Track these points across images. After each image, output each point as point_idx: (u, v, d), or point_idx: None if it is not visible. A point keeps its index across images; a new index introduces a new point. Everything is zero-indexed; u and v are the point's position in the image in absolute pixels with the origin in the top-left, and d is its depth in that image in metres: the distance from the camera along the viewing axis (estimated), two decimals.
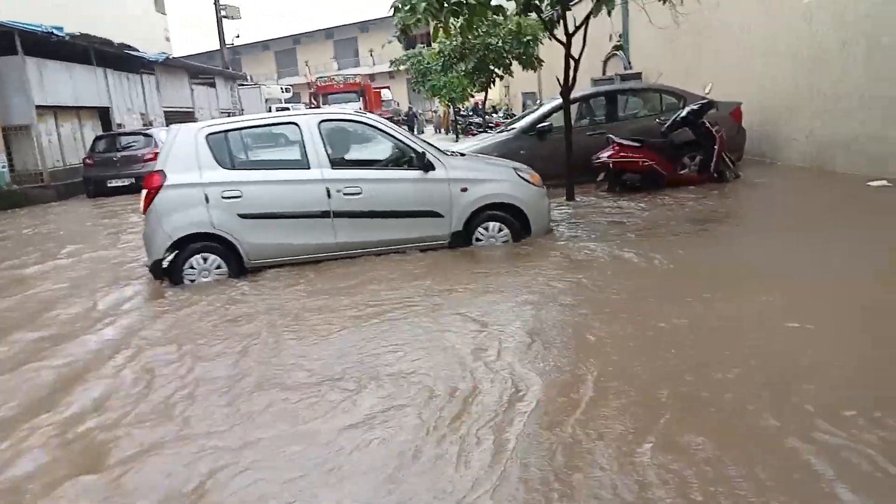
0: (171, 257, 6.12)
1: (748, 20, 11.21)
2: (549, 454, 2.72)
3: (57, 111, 17.16)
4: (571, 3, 8.89)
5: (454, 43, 16.07)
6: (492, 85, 19.75)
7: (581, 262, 5.86)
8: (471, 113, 31.20)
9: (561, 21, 8.97)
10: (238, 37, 37.43)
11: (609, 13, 7.52)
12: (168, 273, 6.16)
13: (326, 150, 6.35)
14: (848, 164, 8.95)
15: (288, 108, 36.45)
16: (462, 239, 6.58)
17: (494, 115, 29.95)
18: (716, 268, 5.45)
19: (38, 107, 15.89)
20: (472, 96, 25.17)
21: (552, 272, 5.54)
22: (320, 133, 6.36)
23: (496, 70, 17.53)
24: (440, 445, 2.89)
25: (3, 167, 15.27)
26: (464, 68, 17.63)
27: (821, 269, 5.00)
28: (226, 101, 30.20)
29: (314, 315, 4.92)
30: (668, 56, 14.02)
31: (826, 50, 9.26)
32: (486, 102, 26.64)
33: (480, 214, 6.58)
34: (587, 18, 8.40)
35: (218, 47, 33.79)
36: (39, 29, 15.34)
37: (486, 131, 15.43)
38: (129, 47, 20.17)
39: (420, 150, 6.46)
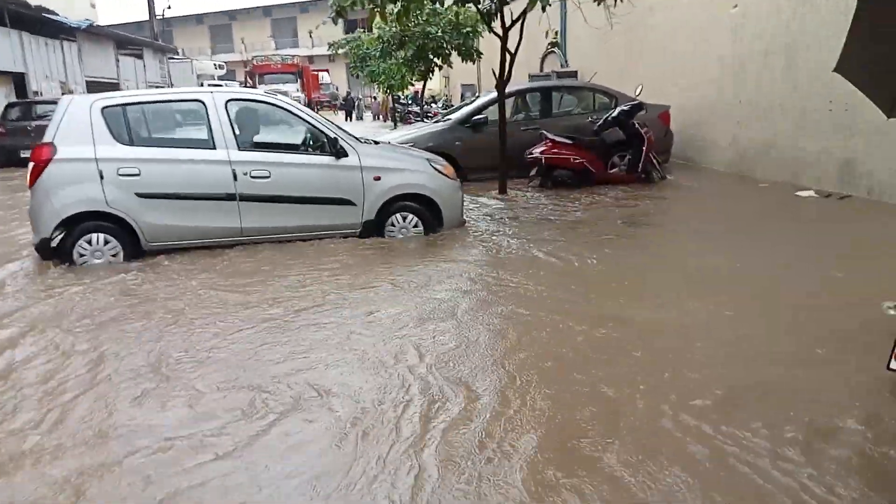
0: (60, 236, 5.77)
1: (679, 26, 11.53)
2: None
3: None
4: None
5: (393, 29, 15.88)
6: (431, 75, 19.66)
7: (490, 259, 5.86)
8: (410, 102, 31.03)
9: (498, 14, 8.99)
10: (169, 7, 36.01)
11: (543, 9, 7.57)
12: (57, 253, 5.79)
13: (234, 131, 6.11)
14: (766, 171, 9.36)
15: (221, 85, 35.33)
16: (374, 228, 6.48)
17: (433, 105, 29.87)
18: (630, 270, 5.43)
19: None
20: (412, 85, 25.01)
21: (460, 268, 5.48)
22: (227, 112, 6.12)
23: (435, 60, 17.45)
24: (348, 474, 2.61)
25: None
26: (403, 56, 17.45)
27: (731, 274, 5.17)
28: (154, 74, 28.98)
29: (206, 310, 4.62)
30: (602, 56, 14.28)
31: (749, 59, 9.63)
32: (426, 92, 26.55)
33: (394, 204, 6.51)
34: (524, 13, 8.44)
35: (147, 18, 32.33)
36: None
37: (424, 121, 15.34)
38: (48, 10, 19.03)
39: (332, 135, 6.34)
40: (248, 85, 35.02)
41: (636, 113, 9.40)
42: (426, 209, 6.58)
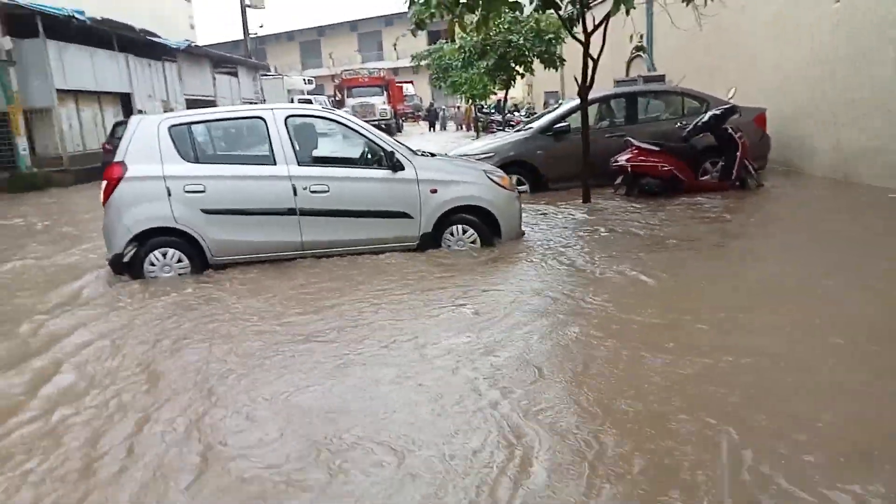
0: (132, 252, 5.96)
1: (774, 23, 10.88)
2: None
3: (78, 95, 17.24)
4: (592, 3, 8.67)
5: (475, 39, 15.88)
6: (513, 83, 19.56)
7: (569, 277, 5.55)
8: (493, 110, 30.97)
9: (580, 19, 8.75)
10: (262, 27, 37.54)
11: (627, 12, 7.27)
12: (129, 267, 5.99)
13: (293, 146, 6.18)
14: (873, 175, 8.63)
15: (310, 100, 36.51)
16: (431, 241, 6.40)
17: (516, 113, 29.69)
18: (722, 292, 4.91)
19: (59, 90, 15.97)
20: (495, 93, 24.96)
21: (535, 286, 5.23)
22: (287, 128, 6.19)
23: (517, 68, 17.33)
24: None
25: (24, 150, 15.35)
26: (485, 65, 17.44)
27: (842, 296, 4.64)
28: (248, 90, 30.27)
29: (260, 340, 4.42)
30: (691, 58, 13.70)
31: (853, 57, 8.93)
32: (509, 100, 26.42)
33: (451, 217, 6.43)
34: (606, 17, 8.17)
35: (242, 37, 33.89)
36: (60, 12, 15.38)
37: (505, 130, 15.22)
38: (151, 34, 20.22)
39: (389, 149, 6.31)
40: (336, 98, 35.95)
41: (729, 117, 8.91)
42: (483, 221, 6.49)
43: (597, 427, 2.95)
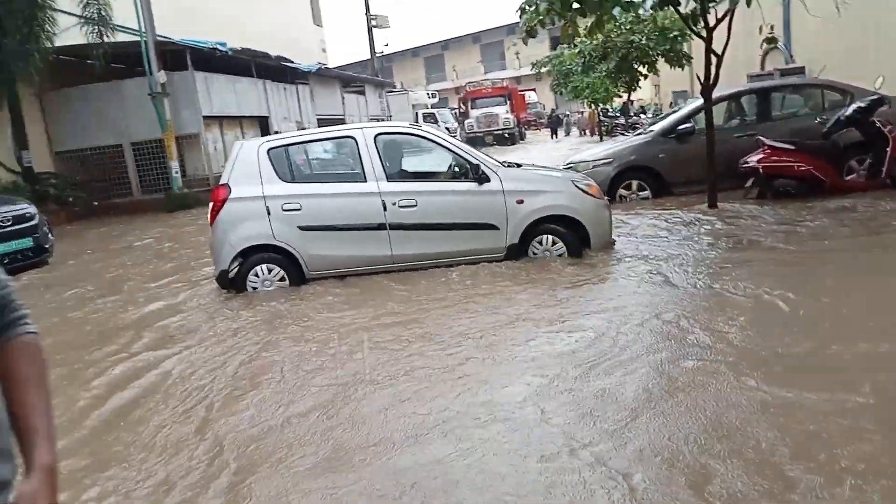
0: (237, 268, 6.32)
1: None
2: None
3: (222, 120, 18.69)
4: None
5: (594, 43, 15.51)
6: (637, 84, 18.90)
7: (690, 298, 5.05)
8: (618, 114, 30.11)
9: (702, 15, 8.27)
10: (387, 45, 38.90)
11: (748, 3, 6.79)
12: (234, 283, 6.37)
13: (382, 163, 6.37)
14: None
15: (434, 114, 37.34)
16: (517, 252, 6.38)
17: (642, 115, 28.67)
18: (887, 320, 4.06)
19: (205, 117, 17.39)
20: (620, 96, 24.26)
21: (645, 307, 4.79)
22: (376, 146, 6.38)
23: (640, 69, 16.73)
24: None
25: (177, 172, 16.86)
26: (606, 68, 17.00)
27: None
28: (375, 107, 31.45)
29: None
30: (833, 47, 12.54)
31: None
32: (634, 102, 25.56)
33: (538, 227, 6.36)
34: (729, 11, 7.67)
35: (369, 56, 35.34)
36: (206, 45, 16.78)
37: (626, 133, 14.72)
38: (286, 59, 21.54)
39: (475, 161, 6.35)
40: (460, 110, 36.48)
41: (877, 109, 8.05)
42: (571, 230, 6.41)
43: None
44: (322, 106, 24.92)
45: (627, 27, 14.56)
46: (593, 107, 25.92)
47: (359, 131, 6.54)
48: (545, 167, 8.22)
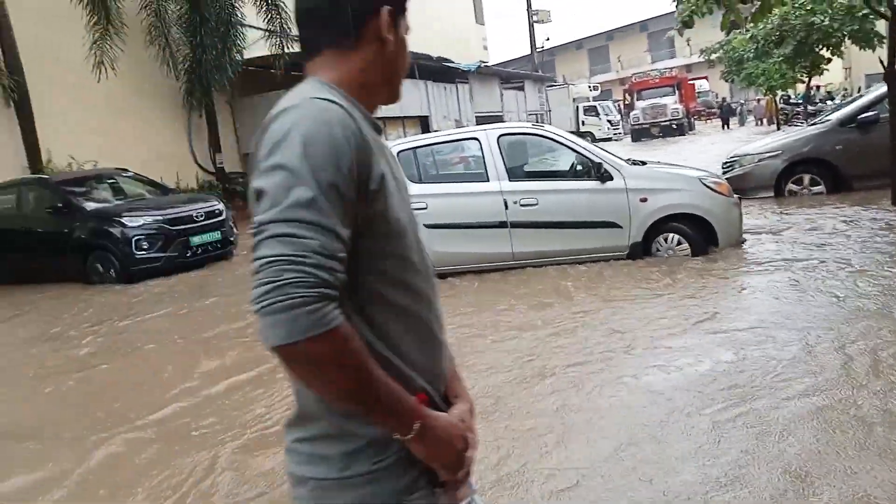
0: None
1: None
2: None
3: (385, 121, 19.75)
4: None
5: (768, 27, 14.35)
6: (820, 69, 17.18)
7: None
8: (800, 101, 27.58)
9: None
10: (548, 39, 38.62)
11: None
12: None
13: (504, 163, 6.50)
14: None
15: (595, 107, 36.53)
16: (640, 250, 6.41)
17: (829, 102, 26.01)
18: None
19: None
20: (801, 82, 22.23)
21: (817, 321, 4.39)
22: (499, 146, 6.53)
23: (823, 52, 15.20)
24: None
25: None
26: (782, 53, 15.65)
27: None
28: (534, 102, 31.42)
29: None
30: None
31: None
32: (820, 88, 23.26)
33: (662, 225, 6.29)
34: None
35: (530, 51, 35.36)
36: None
37: (803, 123, 13.49)
38: (447, 60, 22.21)
39: (597, 160, 6.37)
40: (626, 102, 35.34)
41: None
42: (698, 229, 6.36)
43: None
44: (481, 104, 25.38)
45: (807, 8, 13.30)
46: (770, 94, 23.94)
47: (482, 132, 6.76)
48: (674, 165, 8.09)
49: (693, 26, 7.34)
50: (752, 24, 11.68)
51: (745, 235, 6.88)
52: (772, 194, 9.41)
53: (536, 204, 6.45)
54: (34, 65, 12.53)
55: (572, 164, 6.71)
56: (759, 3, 7.10)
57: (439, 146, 7.50)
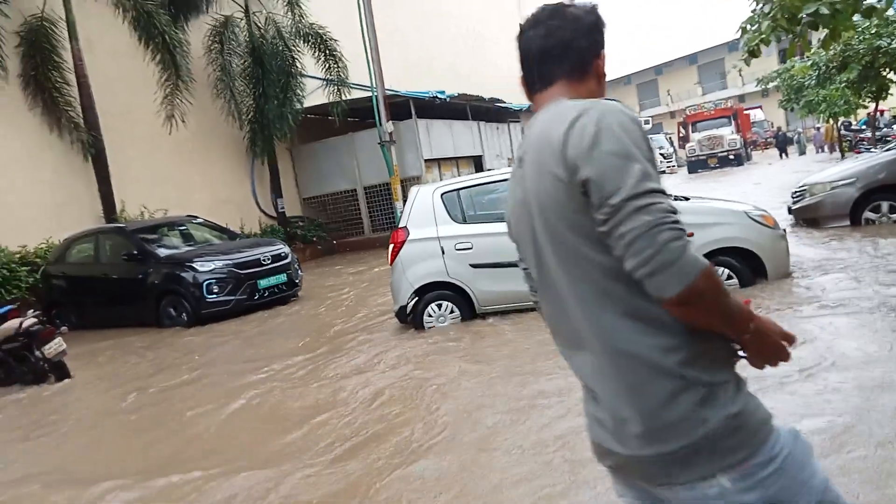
0: (413, 303, 6.77)
1: None
2: None
3: (440, 162, 19.98)
4: None
5: (831, 52, 14.03)
6: (887, 93, 16.64)
7: None
8: (863, 126, 26.75)
9: None
10: None
11: None
12: (411, 317, 6.84)
13: None
14: None
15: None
16: None
17: (894, 126, 25.14)
18: None
19: (425, 160, 18.74)
20: (865, 107, 21.59)
21: None
22: None
23: (890, 76, 14.75)
24: None
25: (401, 212, 18.30)
26: (846, 78, 15.24)
27: None
28: None
29: None
30: None
31: None
32: (884, 113, 22.54)
33: (708, 259, 5.90)
34: None
35: None
36: (427, 95, 18.14)
37: (873, 149, 13.02)
38: (499, 100, 22.46)
39: None
40: (680, 135, 34.91)
41: None
42: (745, 262, 6.38)
43: None
44: None
45: (872, 31, 12.98)
46: (831, 121, 23.29)
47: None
48: (719, 199, 8.11)
49: (760, 55, 7.22)
50: (816, 51, 11.46)
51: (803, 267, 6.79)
52: (847, 223, 9.05)
53: None
54: (109, 119, 13.25)
55: None
56: (827, 29, 6.96)
57: (481, 188, 7.63)
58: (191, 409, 5.48)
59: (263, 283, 9.96)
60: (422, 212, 6.88)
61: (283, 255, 10.53)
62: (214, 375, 6.60)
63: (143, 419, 5.47)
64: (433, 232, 6.79)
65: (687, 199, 7.15)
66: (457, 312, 6.85)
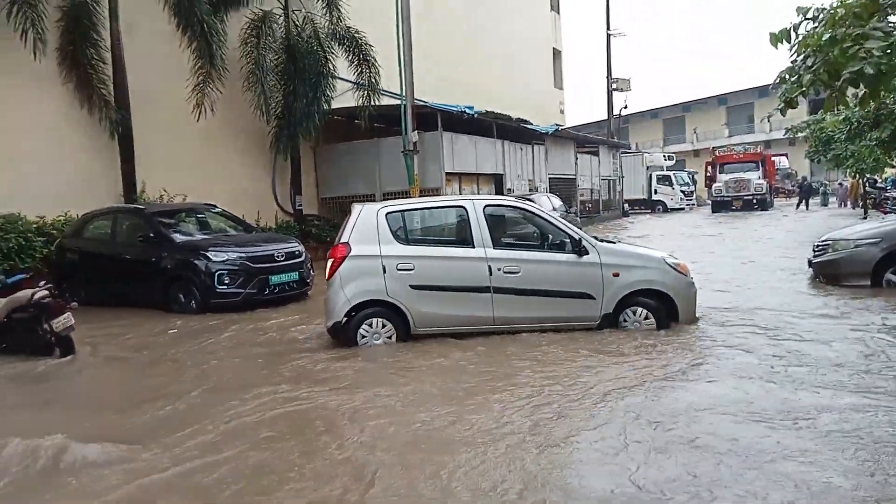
0: (346, 321, 6.71)
1: None
2: None
3: (461, 177, 19.97)
4: None
5: (866, 109, 13.94)
6: None
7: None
8: (889, 186, 26.61)
9: None
10: (626, 107, 38.73)
11: None
12: (345, 334, 6.76)
13: (490, 232, 6.77)
14: None
15: (669, 177, 36.15)
16: (610, 321, 6.82)
17: None
18: None
19: (447, 173, 18.73)
20: (892, 167, 21.47)
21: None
22: (485, 216, 6.82)
23: None
24: None
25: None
26: (877, 136, 15.13)
27: None
28: (607, 168, 31.32)
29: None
30: None
31: None
32: None
33: (630, 299, 6.79)
34: None
35: (606, 117, 35.50)
36: (455, 109, 18.17)
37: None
38: (525, 121, 22.47)
39: (577, 236, 6.88)
40: (707, 174, 34.82)
41: None
42: (661, 304, 6.84)
43: None
44: (554, 165, 25.46)
45: None
46: (857, 177, 23.16)
47: (469, 202, 7.01)
48: (638, 245, 8.72)
49: (797, 107, 7.16)
50: (851, 108, 11.37)
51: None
52: (868, 283, 8.94)
53: (519, 272, 6.73)
54: (139, 101, 13.34)
55: (552, 237, 7.07)
56: (868, 89, 6.89)
57: (427, 211, 7.74)
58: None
59: (275, 279, 9.96)
60: (365, 229, 6.87)
61: (297, 252, 10.53)
62: (207, 368, 6.58)
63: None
64: (376, 250, 6.76)
65: (614, 242, 7.65)
66: (392, 331, 6.80)
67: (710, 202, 33.47)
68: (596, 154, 30.24)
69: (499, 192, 21.45)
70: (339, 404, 5.05)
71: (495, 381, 5.35)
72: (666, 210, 35.10)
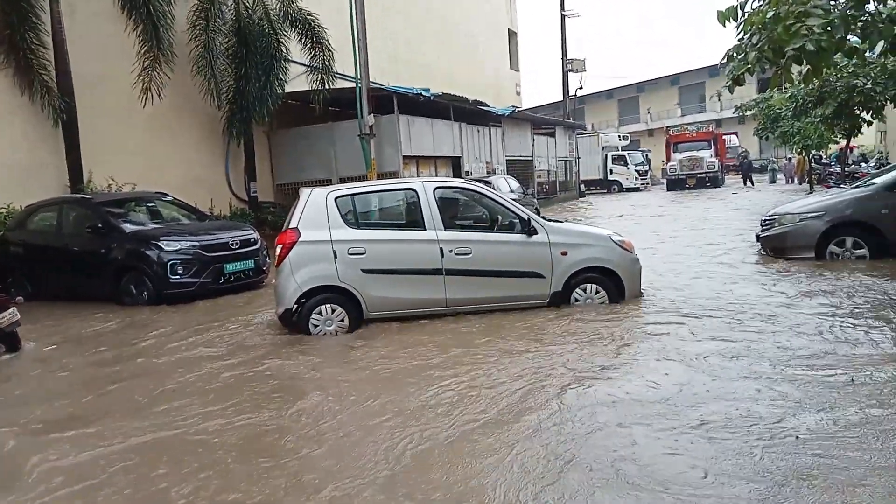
0: (296, 307, 6.63)
1: None
2: None
3: (419, 160, 19.89)
4: None
5: (810, 87, 14.33)
6: (858, 131, 17.08)
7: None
8: (832, 162, 27.48)
9: None
10: (581, 88, 38.97)
11: None
12: (296, 321, 6.68)
13: (440, 214, 6.80)
14: None
15: (624, 157, 36.67)
16: (560, 299, 6.96)
17: (863, 164, 25.87)
18: None
19: (404, 157, 18.63)
20: (836, 142, 22.16)
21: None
22: (435, 198, 6.84)
23: (864, 114, 15.12)
24: None
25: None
26: (821, 113, 15.60)
27: None
28: (563, 149, 31.59)
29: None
30: None
31: None
32: (853, 150, 23.15)
33: (578, 276, 6.97)
34: None
35: (562, 98, 35.72)
36: (412, 91, 18.05)
37: (842, 185, 13.35)
38: (482, 103, 22.48)
39: (525, 216, 6.93)
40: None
41: None
42: (609, 281, 7.01)
43: None
44: (511, 147, 25.56)
45: (850, 70, 13.29)
46: (803, 154, 23.86)
47: (419, 184, 6.99)
48: (585, 224, 8.89)
49: (744, 84, 7.32)
50: (796, 85, 11.67)
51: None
52: (812, 255, 9.24)
53: (470, 253, 6.78)
54: (83, 87, 12.89)
55: (501, 218, 7.13)
56: (810, 65, 7.07)
57: (377, 195, 7.69)
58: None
59: (230, 267, 9.78)
60: (314, 214, 6.76)
61: (252, 240, 10.36)
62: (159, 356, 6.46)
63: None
64: (326, 235, 6.68)
65: (560, 222, 7.78)
66: (345, 316, 6.73)
67: (664, 181, 34.12)
68: (552, 135, 30.47)
69: (457, 174, 21.43)
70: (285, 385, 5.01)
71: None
72: (622, 190, 35.63)
